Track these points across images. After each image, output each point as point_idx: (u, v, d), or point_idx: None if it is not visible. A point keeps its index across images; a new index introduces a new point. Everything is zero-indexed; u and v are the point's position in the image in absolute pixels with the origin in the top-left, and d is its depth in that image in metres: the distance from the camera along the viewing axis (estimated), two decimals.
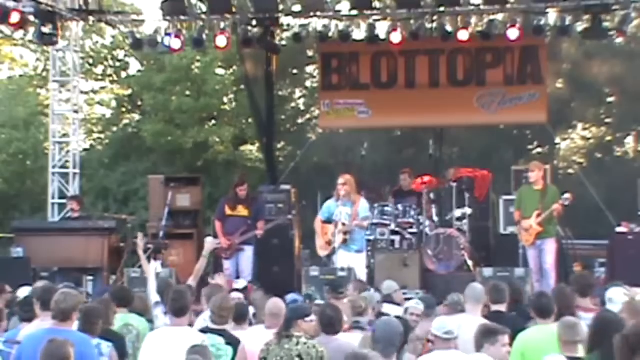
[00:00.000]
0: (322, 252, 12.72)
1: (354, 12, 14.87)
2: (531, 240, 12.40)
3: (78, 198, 14.94)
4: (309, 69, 22.88)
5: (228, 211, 13.24)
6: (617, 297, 8.01)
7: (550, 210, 12.26)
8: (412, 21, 14.46)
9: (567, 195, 12.32)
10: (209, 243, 9.56)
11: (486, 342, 6.26)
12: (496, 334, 6.30)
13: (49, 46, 16.92)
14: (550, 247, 12.40)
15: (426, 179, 14.00)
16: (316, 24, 15.05)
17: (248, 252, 13.10)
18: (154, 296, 8.69)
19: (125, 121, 24.38)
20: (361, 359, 5.77)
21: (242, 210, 13.21)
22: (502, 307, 8.15)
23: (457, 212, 13.63)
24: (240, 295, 9.11)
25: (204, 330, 7.32)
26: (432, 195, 13.87)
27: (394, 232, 13.27)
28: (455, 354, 6.52)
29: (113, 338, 7.31)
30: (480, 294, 8.03)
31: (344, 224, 12.24)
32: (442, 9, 14.27)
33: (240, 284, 10.61)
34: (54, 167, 16.55)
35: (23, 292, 9.20)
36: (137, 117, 24.13)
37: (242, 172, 14.70)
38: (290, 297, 8.99)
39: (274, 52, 15.99)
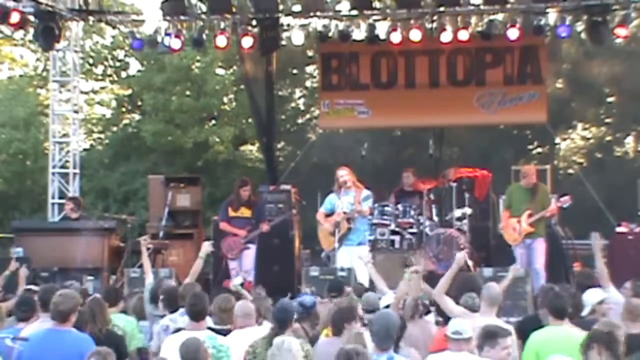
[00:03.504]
0: (326, 247, 12.76)
1: (354, 12, 14.85)
2: (519, 240, 12.43)
3: (75, 200, 14.87)
4: (309, 69, 22.88)
5: (231, 213, 13.28)
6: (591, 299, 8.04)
7: (543, 212, 12.28)
8: (412, 21, 14.46)
9: (565, 197, 12.32)
10: (206, 245, 9.74)
11: (486, 345, 6.26)
12: (496, 337, 6.30)
13: (49, 50, 16.86)
14: (540, 247, 12.43)
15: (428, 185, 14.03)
16: (316, 24, 15.05)
17: (251, 250, 13.15)
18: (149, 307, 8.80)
19: (125, 121, 24.41)
20: (352, 355, 5.74)
21: (245, 212, 13.26)
22: None
23: (457, 212, 13.61)
24: None
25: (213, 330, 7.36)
26: (432, 195, 13.87)
27: (394, 232, 13.25)
28: (465, 356, 6.50)
29: (112, 338, 7.31)
30: (496, 296, 7.99)
31: (345, 212, 12.33)
32: (442, 9, 14.27)
33: (237, 280, 10.60)
34: (54, 167, 16.55)
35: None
36: (137, 117, 24.14)
37: (242, 177, 14.71)
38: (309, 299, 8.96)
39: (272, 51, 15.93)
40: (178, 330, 7.63)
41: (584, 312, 7.85)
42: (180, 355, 6.25)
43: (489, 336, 6.32)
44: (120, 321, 8.34)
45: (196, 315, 7.33)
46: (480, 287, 8.25)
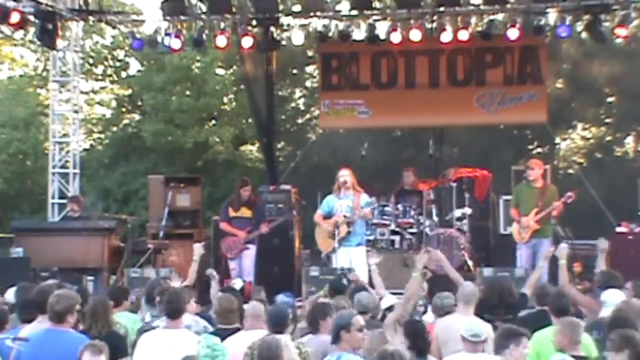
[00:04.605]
0: (324, 248, 12.74)
1: (354, 12, 14.86)
2: (526, 238, 12.41)
3: (77, 199, 14.91)
4: (309, 69, 22.88)
5: (232, 213, 13.28)
6: (612, 299, 8.04)
7: (550, 207, 12.27)
8: (412, 21, 14.46)
9: (570, 193, 12.30)
10: (197, 248, 9.76)
11: (511, 343, 6.41)
12: (520, 336, 6.48)
13: (50, 50, 16.84)
14: (545, 249, 12.39)
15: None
16: (316, 24, 15.05)
17: (251, 251, 13.15)
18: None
19: (125, 121, 24.41)
20: (396, 357, 5.74)
21: (245, 212, 13.26)
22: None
23: (457, 212, 13.63)
24: None
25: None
26: (432, 195, 13.87)
27: (394, 232, 13.26)
28: (481, 357, 6.55)
29: (113, 338, 7.30)
30: (472, 294, 8.04)
31: (345, 216, 12.33)
32: (442, 9, 14.28)
33: (237, 284, 10.55)
34: (54, 167, 16.55)
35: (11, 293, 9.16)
36: (137, 117, 24.15)
37: (243, 177, 14.71)
38: (280, 297, 8.99)
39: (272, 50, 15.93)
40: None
41: (605, 313, 7.84)
42: (258, 355, 6.20)
43: (515, 334, 6.50)
44: (123, 319, 8.35)
45: (173, 313, 7.30)
46: (510, 287, 8.46)
